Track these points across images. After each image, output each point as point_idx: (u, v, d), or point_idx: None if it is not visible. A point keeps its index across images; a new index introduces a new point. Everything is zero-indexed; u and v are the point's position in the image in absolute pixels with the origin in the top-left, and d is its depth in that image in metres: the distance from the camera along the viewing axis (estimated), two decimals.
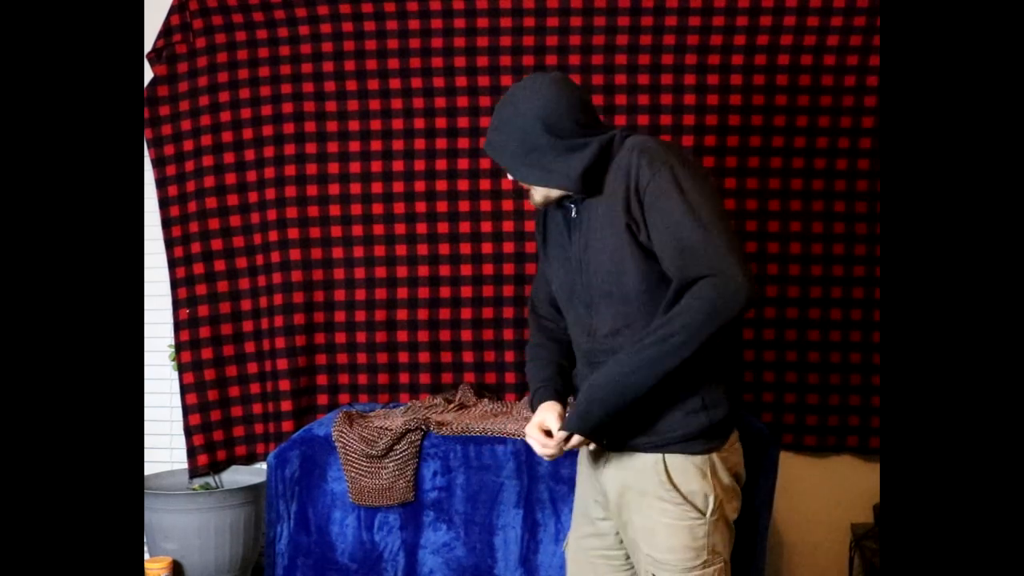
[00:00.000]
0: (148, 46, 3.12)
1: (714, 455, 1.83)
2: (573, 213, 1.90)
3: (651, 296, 1.80)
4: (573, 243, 1.90)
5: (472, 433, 2.46)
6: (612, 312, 1.84)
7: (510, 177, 1.94)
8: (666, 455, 1.81)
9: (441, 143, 3.05)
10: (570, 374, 2.01)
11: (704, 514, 1.81)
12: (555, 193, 1.89)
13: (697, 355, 1.71)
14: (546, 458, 1.89)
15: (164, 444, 3.26)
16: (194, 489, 3.10)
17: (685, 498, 1.81)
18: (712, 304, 1.68)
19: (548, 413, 1.89)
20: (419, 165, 3.05)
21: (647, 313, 1.80)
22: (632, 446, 1.83)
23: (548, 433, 1.86)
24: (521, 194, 3.02)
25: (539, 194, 1.90)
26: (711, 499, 1.82)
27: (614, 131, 1.86)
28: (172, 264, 3.14)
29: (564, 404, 1.94)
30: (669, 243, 1.74)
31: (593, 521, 1.97)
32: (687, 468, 1.82)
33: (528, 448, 2.38)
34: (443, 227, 3.05)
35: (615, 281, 1.82)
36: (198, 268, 3.12)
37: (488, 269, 3.05)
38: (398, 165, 3.06)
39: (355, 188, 3.07)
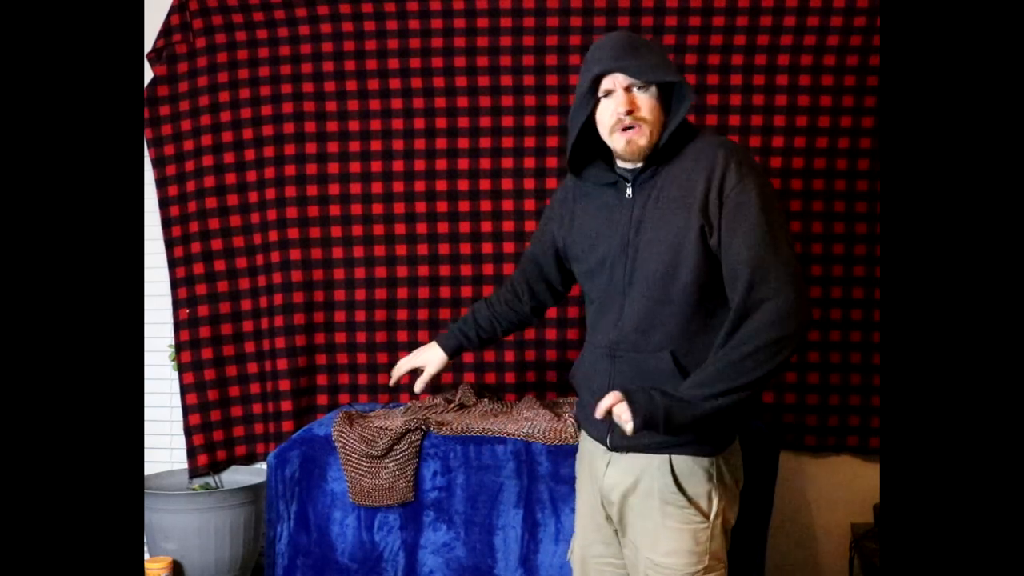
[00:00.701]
0: (148, 46, 3.12)
1: (719, 458, 1.83)
2: (628, 192, 1.85)
3: (691, 302, 1.78)
4: (618, 224, 1.86)
5: (472, 433, 2.46)
6: (646, 307, 1.81)
7: (641, 101, 1.77)
8: (673, 456, 1.80)
9: (441, 143, 3.05)
10: (490, 340, 2.25)
11: (708, 517, 1.80)
12: (648, 141, 1.79)
13: (767, 380, 1.70)
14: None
15: (164, 444, 3.26)
16: (194, 489, 3.10)
17: (690, 501, 1.79)
18: (780, 329, 1.68)
19: (432, 360, 2.25)
20: (419, 165, 3.05)
21: (679, 318, 1.78)
22: (638, 447, 1.81)
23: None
24: (521, 194, 3.02)
25: (645, 138, 1.79)
26: (715, 502, 1.81)
27: None
28: (172, 264, 3.14)
29: (452, 358, 2.26)
30: (744, 254, 1.72)
31: (599, 527, 1.95)
32: (694, 470, 1.81)
33: (528, 448, 2.39)
34: (443, 227, 3.05)
35: (663, 276, 1.78)
36: (198, 268, 3.13)
37: (488, 269, 3.05)
38: (398, 165, 3.06)
39: (355, 188, 3.07)
